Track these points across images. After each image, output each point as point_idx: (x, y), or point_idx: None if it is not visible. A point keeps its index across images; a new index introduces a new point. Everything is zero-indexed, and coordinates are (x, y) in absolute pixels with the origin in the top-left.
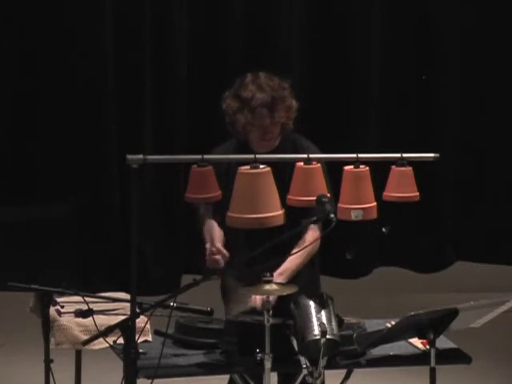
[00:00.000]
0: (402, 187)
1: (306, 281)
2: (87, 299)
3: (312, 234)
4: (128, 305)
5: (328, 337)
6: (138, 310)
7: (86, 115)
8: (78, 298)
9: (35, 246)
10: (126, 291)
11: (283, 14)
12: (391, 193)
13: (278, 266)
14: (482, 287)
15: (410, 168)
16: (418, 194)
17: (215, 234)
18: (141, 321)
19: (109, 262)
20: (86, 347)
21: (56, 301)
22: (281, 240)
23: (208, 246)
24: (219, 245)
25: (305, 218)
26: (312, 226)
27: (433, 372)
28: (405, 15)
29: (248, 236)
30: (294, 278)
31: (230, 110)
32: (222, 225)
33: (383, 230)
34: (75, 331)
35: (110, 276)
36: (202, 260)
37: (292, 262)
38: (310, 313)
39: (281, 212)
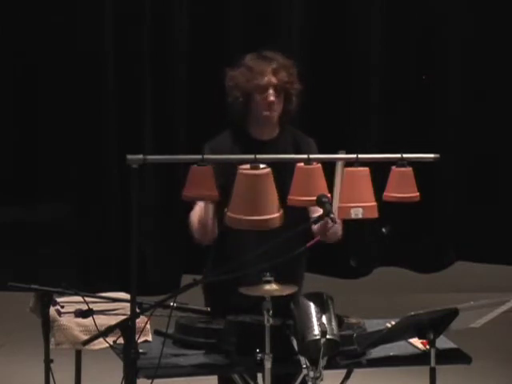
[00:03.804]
0: (402, 187)
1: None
2: (87, 299)
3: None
4: (128, 305)
5: (328, 337)
6: (138, 310)
7: (86, 115)
8: (78, 298)
9: (35, 246)
10: (126, 291)
11: (283, 14)
12: (391, 193)
13: (277, 266)
14: (482, 287)
15: (410, 168)
16: (418, 194)
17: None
18: (141, 321)
19: (109, 262)
20: (86, 347)
21: (56, 301)
22: (281, 240)
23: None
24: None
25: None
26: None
27: (433, 372)
28: (405, 15)
29: (248, 236)
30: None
31: (230, 80)
32: (220, 225)
33: (383, 230)
34: (75, 331)
35: (110, 276)
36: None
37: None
38: (310, 313)
39: (279, 214)
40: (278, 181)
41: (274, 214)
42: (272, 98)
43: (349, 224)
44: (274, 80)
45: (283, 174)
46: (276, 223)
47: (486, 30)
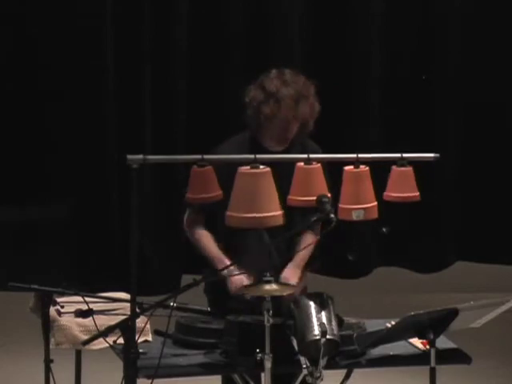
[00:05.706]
0: (403, 187)
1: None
2: (87, 299)
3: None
4: (128, 305)
5: (328, 337)
6: (138, 310)
7: (87, 115)
8: (78, 298)
9: (35, 246)
10: (126, 291)
11: (283, 13)
12: (391, 193)
13: (278, 265)
14: (481, 287)
15: (411, 168)
16: (418, 193)
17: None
18: (141, 321)
19: (109, 261)
20: (86, 347)
21: (56, 301)
22: (280, 240)
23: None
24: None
25: (305, 218)
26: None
27: (433, 372)
28: (405, 14)
29: (249, 237)
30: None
31: (254, 101)
32: (223, 226)
33: (383, 230)
34: (75, 331)
35: (110, 276)
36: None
37: (303, 256)
38: (310, 313)
39: (280, 212)
40: (278, 186)
41: (274, 212)
42: (288, 135)
43: (349, 223)
44: (292, 115)
45: (284, 179)
46: (276, 221)
47: (487, 29)
